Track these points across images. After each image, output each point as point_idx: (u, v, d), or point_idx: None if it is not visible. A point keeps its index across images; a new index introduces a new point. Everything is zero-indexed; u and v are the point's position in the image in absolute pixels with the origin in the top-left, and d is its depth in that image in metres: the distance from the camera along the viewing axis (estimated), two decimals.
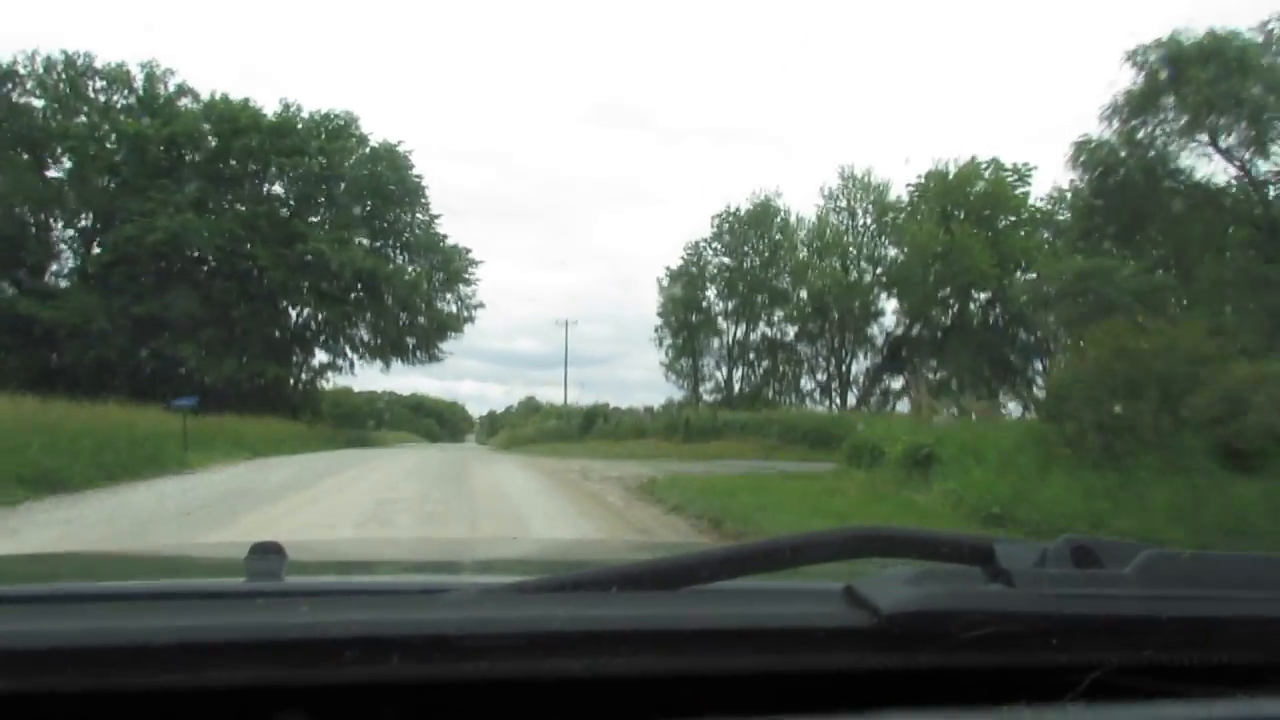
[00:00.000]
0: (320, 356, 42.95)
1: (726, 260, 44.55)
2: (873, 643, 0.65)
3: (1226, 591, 0.72)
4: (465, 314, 42.95)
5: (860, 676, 0.66)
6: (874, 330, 41.34)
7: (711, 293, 45.41)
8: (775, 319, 44.26)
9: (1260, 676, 0.70)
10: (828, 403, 42.02)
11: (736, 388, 45.34)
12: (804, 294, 40.85)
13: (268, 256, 35.25)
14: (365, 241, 38.40)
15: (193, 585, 1.15)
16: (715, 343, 45.99)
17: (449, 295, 42.35)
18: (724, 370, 46.55)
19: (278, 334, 38.90)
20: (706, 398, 45.28)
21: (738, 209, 44.27)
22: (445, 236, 41.95)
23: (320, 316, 39.41)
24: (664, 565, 0.75)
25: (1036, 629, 0.66)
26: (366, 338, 42.75)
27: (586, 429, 40.04)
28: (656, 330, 47.04)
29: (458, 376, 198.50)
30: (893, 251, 39.71)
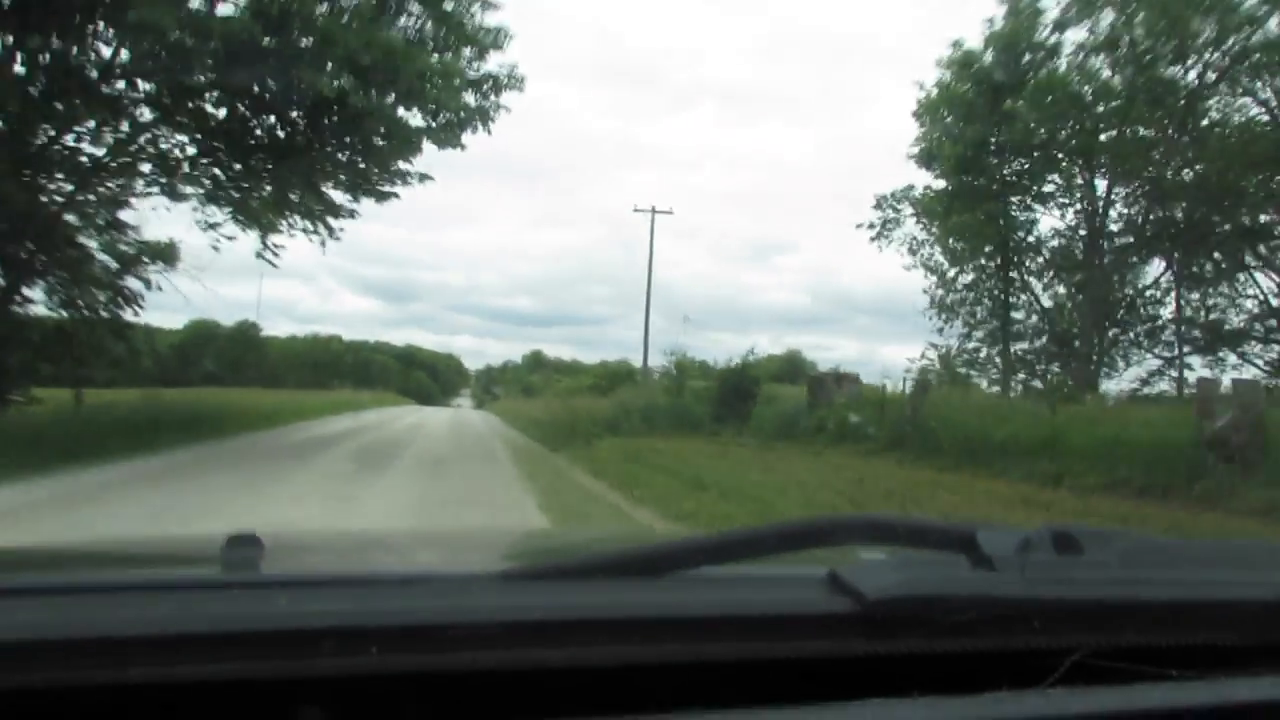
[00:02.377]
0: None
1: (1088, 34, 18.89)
2: (856, 628, 0.66)
3: (1203, 574, 0.74)
4: (481, 103, 14.45)
5: (844, 662, 0.66)
6: None
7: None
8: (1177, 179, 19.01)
9: (1236, 658, 0.70)
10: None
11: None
12: None
13: None
14: None
15: (167, 577, 1.04)
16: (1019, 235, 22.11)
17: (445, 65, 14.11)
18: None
19: None
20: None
21: None
22: None
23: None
24: (649, 552, 0.75)
25: (1018, 613, 0.67)
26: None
27: (724, 416, 19.40)
28: (888, 204, 22.22)
29: (453, 331, 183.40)
30: None
